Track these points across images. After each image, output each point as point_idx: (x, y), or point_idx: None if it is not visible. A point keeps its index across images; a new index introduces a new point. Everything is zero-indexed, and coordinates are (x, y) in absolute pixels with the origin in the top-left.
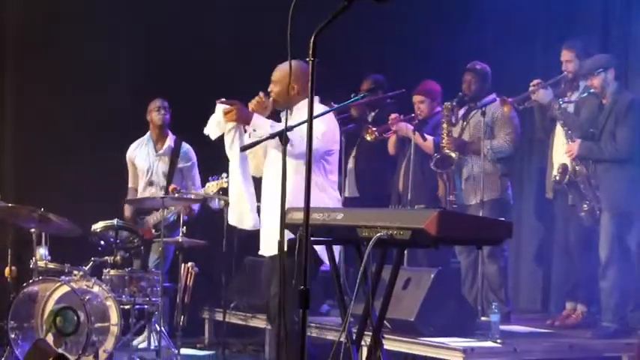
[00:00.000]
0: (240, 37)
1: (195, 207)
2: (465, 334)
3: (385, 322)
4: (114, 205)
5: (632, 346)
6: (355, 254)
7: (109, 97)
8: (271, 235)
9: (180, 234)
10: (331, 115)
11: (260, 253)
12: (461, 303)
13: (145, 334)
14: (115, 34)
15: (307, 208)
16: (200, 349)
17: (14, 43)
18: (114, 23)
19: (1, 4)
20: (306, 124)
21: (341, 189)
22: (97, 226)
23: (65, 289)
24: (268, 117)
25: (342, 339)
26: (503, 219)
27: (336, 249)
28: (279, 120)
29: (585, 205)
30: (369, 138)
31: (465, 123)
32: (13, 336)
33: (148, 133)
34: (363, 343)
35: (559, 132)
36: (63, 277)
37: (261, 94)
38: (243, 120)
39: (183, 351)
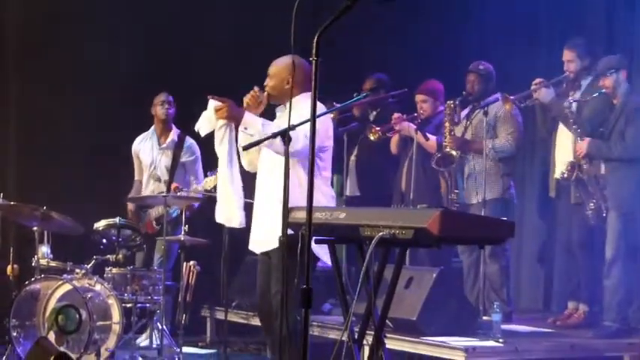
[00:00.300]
0: (240, 37)
1: (195, 205)
2: (467, 333)
3: (387, 321)
4: (116, 203)
5: (634, 345)
6: (357, 253)
7: (109, 97)
8: (263, 232)
9: (183, 232)
10: (320, 111)
11: (250, 248)
12: (463, 302)
13: (147, 332)
14: (115, 34)
15: (310, 208)
16: (202, 347)
17: (14, 43)
18: (114, 23)
19: (1, 4)
20: (305, 122)
21: (343, 188)
22: (99, 225)
23: (67, 287)
24: (262, 113)
25: (344, 338)
26: (505, 218)
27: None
28: (273, 115)
29: (592, 204)
30: (372, 138)
31: (468, 122)
32: (14, 334)
33: (153, 127)
34: (365, 342)
35: (562, 131)
36: (65, 276)
37: (255, 88)
38: (234, 118)
39: (185, 349)
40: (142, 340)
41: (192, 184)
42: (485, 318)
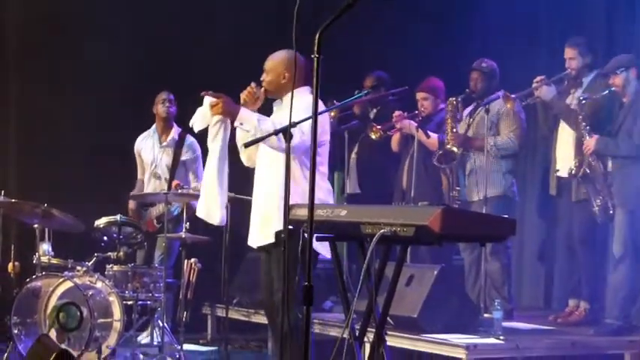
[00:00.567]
0: (240, 36)
1: (195, 203)
2: (468, 330)
3: (388, 318)
4: (116, 200)
5: (635, 343)
6: (358, 251)
7: (109, 97)
8: (260, 226)
9: (184, 230)
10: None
11: (248, 243)
12: (464, 300)
13: (148, 329)
14: (115, 34)
15: (312, 205)
16: (203, 344)
17: (14, 43)
18: (114, 23)
19: (1, 4)
20: (305, 120)
21: (344, 186)
22: (100, 222)
23: (68, 284)
24: (259, 108)
25: (345, 335)
26: (506, 216)
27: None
28: (270, 111)
29: (599, 201)
30: (374, 137)
31: (471, 120)
32: (16, 331)
33: (154, 126)
34: (365, 339)
35: (563, 129)
36: (66, 273)
37: (252, 84)
38: (229, 113)
39: (186, 347)
40: (143, 338)
41: (193, 182)
42: (486, 315)
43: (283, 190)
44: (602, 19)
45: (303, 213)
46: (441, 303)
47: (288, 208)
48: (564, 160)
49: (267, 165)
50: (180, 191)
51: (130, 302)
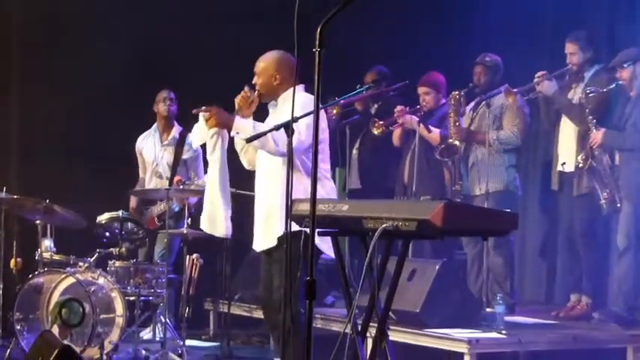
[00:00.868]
0: (240, 36)
1: (193, 200)
2: (470, 325)
3: (390, 313)
4: (118, 197)
5: (637, 337)
6: (360, 245)
7: (109, 97)
8: (262, 232)
9: (185, 225)
10: (312, 104)
11: (253, 247)
12: (465, 294)
13: (151, 325)
14: (115, 34)
15: (313, 200)
16: (205, 340)
17: (14, 43)
18: (114, 23)
19: (1, 4)
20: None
21: (346, 181)
22: (102, 218)
23: (70, 280)
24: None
25: (347, 330)
26: (508, 210)
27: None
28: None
29: (605, 194)
30: (376, 132)
31: (474, 114)
32: (18, 327)
33: (155, 124)
34: (368, 334)
35: (564, 123)
36: (68, 269)
37: (246, 88)
38: (223, 124)
39: (189, 342)
40: (146, 333)
41: (194, 180)
42: (488, 310)
43: (284, 191)
44: (603, 19)
45: (305, 208)
46: (443, 297)
47: (290, 202)
48: (568, 155)
49: (266, 169)
50: (182, 187)
51: (132, 298)
